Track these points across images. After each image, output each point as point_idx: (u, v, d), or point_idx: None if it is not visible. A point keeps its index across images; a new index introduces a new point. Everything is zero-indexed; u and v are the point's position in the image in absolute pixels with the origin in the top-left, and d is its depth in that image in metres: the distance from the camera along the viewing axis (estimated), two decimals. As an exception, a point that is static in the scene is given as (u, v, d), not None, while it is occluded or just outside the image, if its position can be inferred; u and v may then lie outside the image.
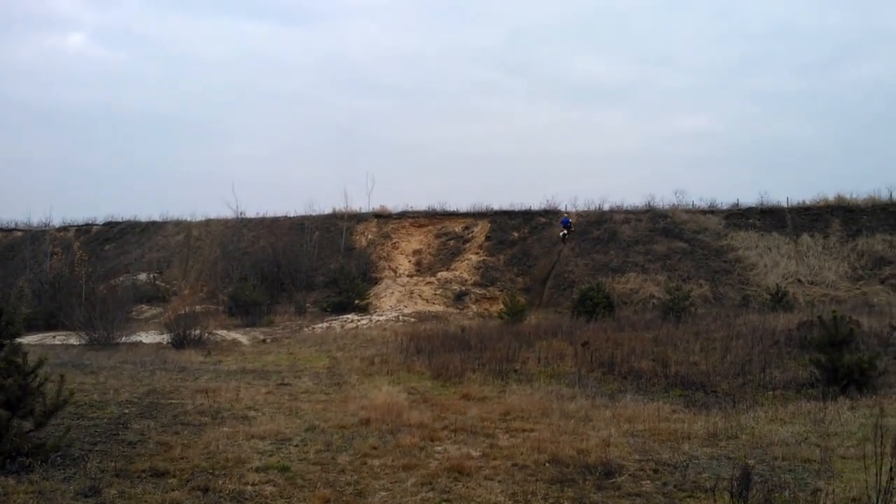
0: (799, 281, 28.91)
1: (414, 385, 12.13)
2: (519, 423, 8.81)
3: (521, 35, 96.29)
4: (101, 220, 42.16)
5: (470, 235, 35.49)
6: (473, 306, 29.69)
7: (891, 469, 4.87)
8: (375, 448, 7.51)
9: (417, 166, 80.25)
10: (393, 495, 6.03)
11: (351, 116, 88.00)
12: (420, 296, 30.39)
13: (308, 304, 29.29)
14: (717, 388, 11.53)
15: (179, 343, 18.12)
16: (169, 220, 41.08)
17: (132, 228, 40.91)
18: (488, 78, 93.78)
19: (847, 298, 26.46)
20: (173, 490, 6.03)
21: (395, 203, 40.46)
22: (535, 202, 37.09)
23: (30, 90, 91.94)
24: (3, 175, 75.72)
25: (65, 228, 42.16)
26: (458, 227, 36.31)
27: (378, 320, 25.16)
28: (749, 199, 35.41)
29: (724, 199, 35.53)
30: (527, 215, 35.85)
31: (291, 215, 39.36)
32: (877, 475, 4.97)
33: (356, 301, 28.56)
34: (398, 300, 29.94)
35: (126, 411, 9.47)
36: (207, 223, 40.13)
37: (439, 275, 32.43)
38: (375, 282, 32.83)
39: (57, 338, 20.80)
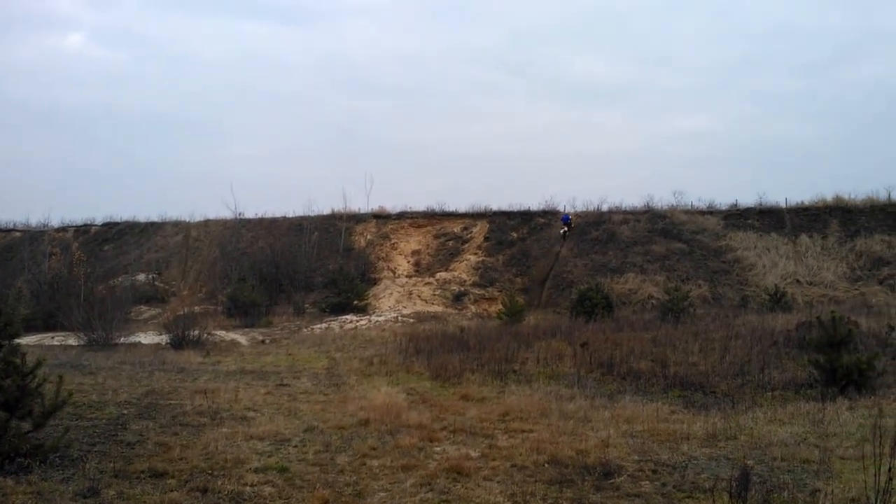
0: (797, 281, 28.94)
1: (413, 386, 12.13)
2: (518, 423, 8.82)
3: (521, 35, 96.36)
4: (99, 220, 42.12)
5: (469, 236, 35.50)
6: (472, 307, 29.69)
7: (889, 469, 4.87)
8: (374, 449, 7.51)
9: (417, 166, 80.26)
10: (392, 496, 6.03)
11: (350, 116, 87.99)
12: (419, 296, 30.39)
13: (307, 305, 29.28)
14: (716, 389, 11.54)
15: (178, 344, 18.11)
16: (168, 220, 41.04)
17: (131, 229, 40.87)
18: (488, 78, 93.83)
19: (845, 299, 26.48)
20: (172, 491, 6.03)
21: (394, 203, 40.47)
22: (534, 202, 37.09)
23: (29, 90, 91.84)
24: (1, 175, 75.67)
25: (63, 229, 42.10)
26: (456, 228, 36.32)
27: (377, 321, 25.15)
28: (748, 199, 35.46)
29: (723, 200, 35.54)
30: (526, 216, 35.86)
31: (290, 216, 39.33)
32: (875, 476, 4.97)
33: (355, 302, 28.55)
34: (397, 301, 29.93)
35: (125, 412, 9.46)
36: (206, 224, 40.10)
37: (438, 275, 32.43)
38: (374, 282, 32.83)
39: (55, 338, 20.79)
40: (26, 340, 16.20)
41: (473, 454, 7.35)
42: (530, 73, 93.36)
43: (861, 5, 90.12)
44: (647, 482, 6.39)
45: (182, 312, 22.31)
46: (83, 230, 41.69)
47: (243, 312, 25.72)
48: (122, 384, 11.88)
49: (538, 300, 30.01)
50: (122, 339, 19.60)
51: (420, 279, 32.51)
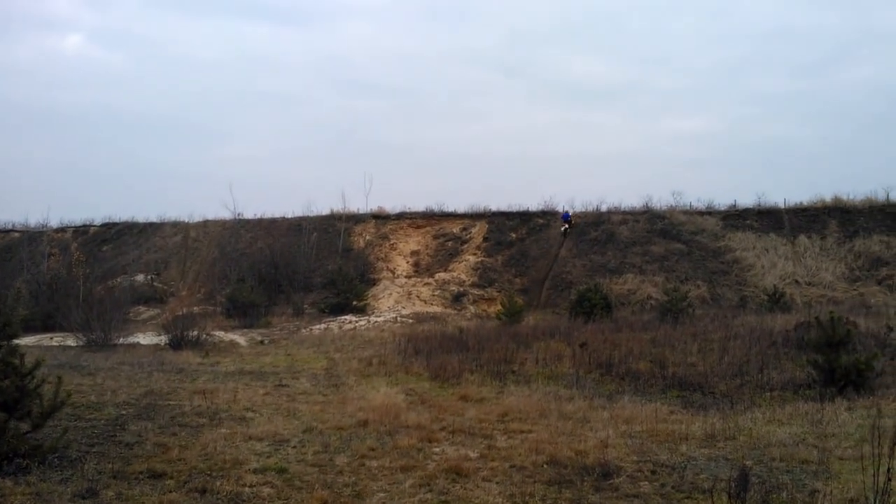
0: (796, 282, 28.97)
1: (412, 386, 12.13)
2: (517, 424, 8.81)
3: (520, 35, 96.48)
4: (98, 221, 42.11)
5: (468, 236, 35.50)
6: (471, 307, 29.69)
7: (888, 470, 4.87)
8: (373, 449, 7.51)
9: (416, 167, 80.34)
10: (391, 497, 6.03)
11: (350, 117, 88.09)
12: (418, 297, 30.39)
13: (306, 306, 29.27)
14: (715, 389, 11.55)
15: (177, 344, 18.10)
16: (167, 221, 41.04)
17: (130, 229, 40.85)
18: (487, 78, 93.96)
19: (844, 299, 26.50)
20: (171, 491, 6.02)
21: (393, 204, 40.45)
22: (533, 203, 37.19)
23: (28, 91, 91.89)
24: (1, 175, 75.65)
25: (62, 229, 42.08)
26: (455, 228, 36.32)
27: (376, 321, 25.14)
28: (747, 200, 35.52)
29: (722, 200, 35.63)
30: (524, 216, 35.88)
31: (289, 216, 39.34)
32: (874, 476, 4.98)
33: (354, 302, 28.55)
34: (396, 301, 29.93)
35: (123, 413, 9.45)
36: (205, 224, 40.09)
37: (437, 276, 32.43)
38: (373, 283, 32.83)
39: (54, 339, 20.76)
40: (25, 341, 16.18)
41: (472, 455, 7.35)
42: (529, 74, 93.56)
43: (859, 6, 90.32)
44: (646, 483, 6.40)
45: (181, 313, 22.30)
46: (82, 230, 41.68)
47: (242, 313, 25.71)
48: (120, 385, 11.87)
49: (537, 301, 30.02)
50: (121, 339, 19.57)
51: (419, 280, 32.50)
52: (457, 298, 30.42)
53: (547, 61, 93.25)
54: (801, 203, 33.90)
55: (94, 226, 41.81)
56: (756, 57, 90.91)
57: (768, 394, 11.06)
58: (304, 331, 23.15)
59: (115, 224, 41.51)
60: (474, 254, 33.95)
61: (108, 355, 16.77)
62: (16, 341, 7.33)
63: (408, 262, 34.82)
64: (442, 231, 36.37)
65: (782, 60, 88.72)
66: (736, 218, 33.50)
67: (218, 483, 6.24)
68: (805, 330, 15.03)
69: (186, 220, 40.67)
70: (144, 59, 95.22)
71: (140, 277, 34.42)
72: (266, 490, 6.13)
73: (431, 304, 29.67)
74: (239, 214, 39.75)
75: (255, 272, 32.04)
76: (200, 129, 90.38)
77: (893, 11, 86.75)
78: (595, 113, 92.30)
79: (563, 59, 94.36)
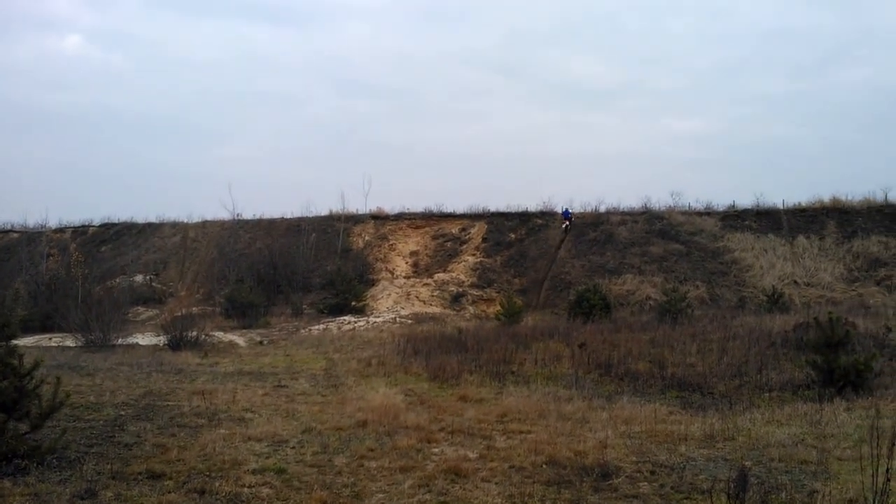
0: (795, 282, 28.98)
1: (411, 387, 12.13)
2: (516, 424, 8.82)
3: (520, 36, 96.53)
4: (97, 221, 42.11)
5: (467, 237, 35.50)
6: (470, 308, 29.69)
7: (887, 470, 4.88)
8: (372, 450, 7.51)
9: (415, 167, 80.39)
10: (390, 497, 6.02)
11: (349, 118, 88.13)
12: (417, 297, 30.38)
13: (305, 306, 29.24)
14: (714, 390, 11.56)
15: (176, 345, 18.08)
16: (166, 221, 41.03)
17: (129, 230, 40.84)
18: (486, 79, 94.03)
19: (843, 300, 26.52)
20: (169, 492, 6.02)
21: (392, 204, 40.47)
22: (532, 203, 37.19)
23: (28, 91, 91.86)
24: (0, 175, 75.58)
25: (61, 230, 42.07)
26: (454, 229, 36.32)
27: (375, 322, 25.14)
28: (745, 200, 35.53)
29: (721, 201, 35.63)
30: (523, 217, 35.88)
31: (288, 217, 39.35)
32: (873, 476, 4.98)
33: (353, 303, 28.53)
34: (395, 302, 29.92)
35: (122, 413, 9.45)
36: (204, 225, 40.07)
37: (436, 276, 32.43)
38: (372, 283, 32.82)
39: (53, 339, 20.74)
40: (24, 341, 16.19)
41: (471, 455, 7.35)
42: (529, 74, 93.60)
43: (858, 6, 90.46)
44: (646, 483, 6.40)
45: (180, 313, 22.25)
46: (81, 231, 41.66)
47: (241, 313, 25.69)
48: (119, 385, 11.86)
49: (536, 301, 30.02)
50: (120, 340, 19.56)
51: (418, 280, 32.50)
52: (456, 299, 30.42)
53: (546, 61, 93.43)
54: (799, 203, 33.95)
55: (93, 226, 41.80)
56: (755, 57, 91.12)
57: (767, 394, 11.07)
58: (303, 331, 23.14)
59: (113, 224, 41.50)
60: (473, 254, 33.95)
61: (107, 356, 16.76)
62: (14, 342, 7.34)
63: (407, 263, 34.81)
64: (441, 231, 36.37)
65: (782, 61, 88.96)
66: (735, 218, 33.53)
67: (217, 484, 6.24)
68: (804, 330, 15.03)
69: (185, 221, 40.72)
70: (144, 60, 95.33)
71: (139, 278, 34.41)
72: (265, 491, 6.12)
73: (430, 305, 29.66)
74: (238, 215, 39.79)
75: (254, 273, 32.03)
76: (200, 130, 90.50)
77: (892, 11, 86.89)
78: (595, 113, 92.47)
79: (562, 59, 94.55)
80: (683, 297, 23.47)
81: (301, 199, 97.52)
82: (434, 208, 37.68)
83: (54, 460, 6.79)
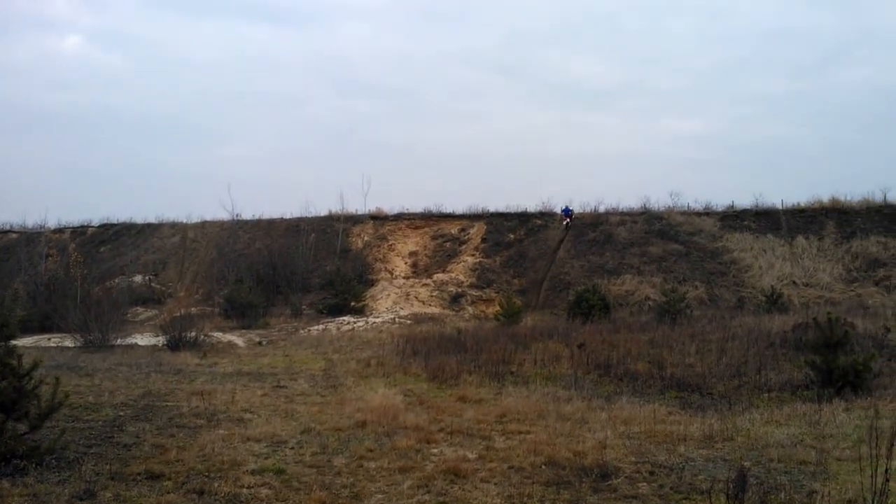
0: (794, 283, 29.00)
1: (410, 387, 12.13)
2: (515, 425, 8.82)
3: (520, 36, 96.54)
4: (96, 221, 42.07)
5: (466, 237, 35.50)
6: (469, 308, 29.69)
7: (886, 471, 4.88)
8: (371, 450, 7.51)
9: (414, 168, 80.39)
10: (389, 498, 6.02)
11: (348, 118, 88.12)
12: (416, 298, 30.37)
13: (304, 307, 29.23)
14: (713, 390, 11.56)
15: (175, 345, 18.08)
16: (165, 221, 41.00)
17: (128, 230, 40.81)
18: (486, 79, 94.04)
19: (842, 300, 26.54)
20: (168, 493, 6.01)
21: (391, 205, 40.40)
22: (532, 204, 37.15)
23: (28, 91, 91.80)
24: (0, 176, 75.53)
25: (60, 230, 42.04)
26: (454, 229, 36.31)
27: (374, 322, 25.13)
28: (745, 201, 35.54)
29: (720, 201, 35.63)
30: (523, 217, 35.88)
31: (287, 217, 39.31)
32: (872, 477, 4.99)
33: (352, 303, 28.53)
34: (394, 302, 29.92)
35: (121, 414, 9.44)
36: (203, 225, 40.04)
37: (435, 277, 32.43)
38: (371, 284, 32.81)
39: (52, 340, 20.72)
40: (23, 342, 16.16)
41: (471, 456, 7.35)
42: (529, 74, 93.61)
43: (858, 6, 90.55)
44: (645, 484, 6.40)
45: (179, 314, 22.25)
46: (80, 231, 41.64)
47: (240, 314, 25.68)
48: (118, 386, 11.86)
49: (535, 301, 30.02)
50: (119, 340, 19.55)
51: (417, 280, 32.50)
52: (455, 299, 30.42)
53: (546, 61, 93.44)
54: (798, 204, 33.95)
55: (92, 226, 41.77)
56: (755, 57, 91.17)
57: (766, 395, 11.07)
58: (302, 332, 23.14)
59: (113, 225, 41.48)
60: (472, 255, 33.95)
61: (106, 356, 16.75)
62: (13, 342, 7.33)
63: (406, 263, 34.81)
64: (440, 232, 36.36)
65: (782, 61, 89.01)
66: (734, 219, 33.54)
67: (216, 484, 6.23)
68: (803, 331, 15.04)
69: (185, 221, 40.68)
70: (144, 60, 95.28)
71: (138, 278, 34.39)
72: (264, 491, 6.12)
73: (430, 305, 29.66)
74: (237, 215, 39.75)
75: (254, 273, 32.01)
76: (200, 130, 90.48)
77: (892, 11, 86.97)
78: (594, 113, 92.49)
79: (562, 59, 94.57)
80: (682, 298, 23.47)
81: (300, 199, 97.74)
82: (433, 208, 37.70)
83: (53, 461, 6.78)
